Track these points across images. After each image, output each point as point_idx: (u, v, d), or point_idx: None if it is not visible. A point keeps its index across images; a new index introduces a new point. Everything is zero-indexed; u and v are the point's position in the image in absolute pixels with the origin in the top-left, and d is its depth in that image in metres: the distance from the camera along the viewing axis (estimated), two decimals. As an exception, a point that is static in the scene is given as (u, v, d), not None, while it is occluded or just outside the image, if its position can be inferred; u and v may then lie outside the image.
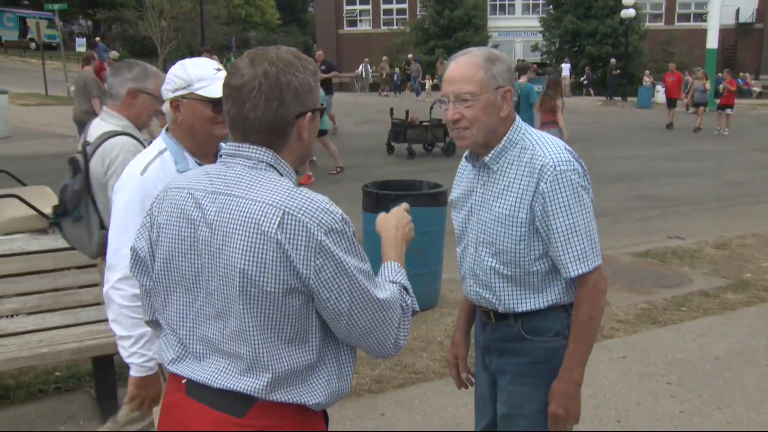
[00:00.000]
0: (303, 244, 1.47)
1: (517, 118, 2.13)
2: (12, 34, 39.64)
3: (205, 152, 2.33)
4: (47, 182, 6.04)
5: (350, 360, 1.67)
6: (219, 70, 2.29)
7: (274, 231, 1.47)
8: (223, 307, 1.55)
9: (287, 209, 1.48)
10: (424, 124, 14.43)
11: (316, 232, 1.47)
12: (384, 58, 32.79)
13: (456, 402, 3.84)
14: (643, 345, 4.77)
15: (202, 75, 2.24)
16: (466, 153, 2.21)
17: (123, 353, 2.26)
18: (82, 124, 9.62)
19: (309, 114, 1.61)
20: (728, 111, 19.18)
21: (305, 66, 1.60)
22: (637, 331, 5.03)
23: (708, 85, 20.98)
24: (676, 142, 17.10)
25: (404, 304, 1.65)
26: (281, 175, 1.59)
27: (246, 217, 1.50)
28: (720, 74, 21.93)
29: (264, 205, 1.49)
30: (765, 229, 8.22)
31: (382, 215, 1.91)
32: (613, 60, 33.30)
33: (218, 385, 1.57)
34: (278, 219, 1.47)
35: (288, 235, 1.47)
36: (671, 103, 22.06)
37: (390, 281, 1.68)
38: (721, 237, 7.78)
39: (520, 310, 2.13)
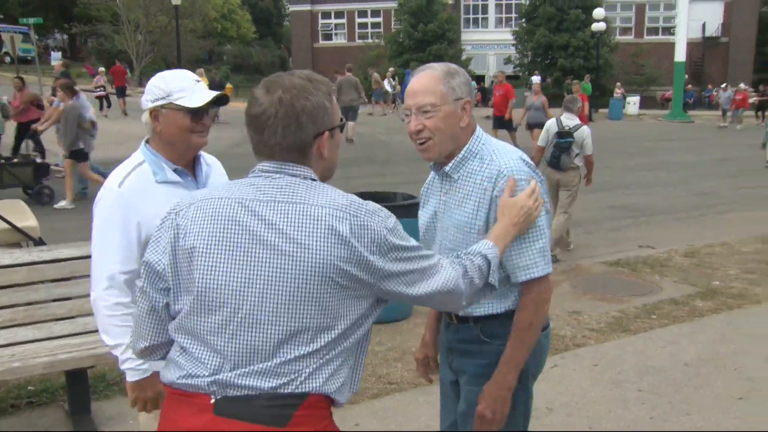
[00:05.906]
0: (370, 242, 1.61)
1: (477, 129, 2.20)
2: (-13, 49, 39.11)
3: (185, 161, 2.40)
4: (21, 196, 5.99)
5: (364, 359, 1.78)
6: (198, 81, 2.37)
7: (347, 234, 1.59)
8: (281, 308, 1.56)
9: (353, 213, 1.62)
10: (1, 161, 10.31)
11: (381, 232, 1.63)
12: (368, 70, 32.68)
13: (430, 412, 3.86)
14: (614, 353, 4.85)
15: (181, 86, 2.30)
16: (431, 163, 2.27)
17: (119, 360, 2.33)
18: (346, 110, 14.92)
19: (326, 133, 1.70)
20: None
21: (318, 88, 1.68)
22: (608, 339, 5.11)
23: (546, 102, 14.97)
24: (648, 153, 17.35)
25: (471, 278, 1.81)
26: None
27: (318, 220, 1.58)
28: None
29: (331, 209, 1.60)
30: (732, 237, 8.40)
31: (513, 200, 2.03)
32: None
33: (268, 386, 1.55)
34: (348, 224, 1.60)
35: (358, 237, 1.60)
36: (497, 122, 16.22)
37: (468, 254, 1.87)
38: (690, 246, 7.94)
39: (477, 314, 2.19)
